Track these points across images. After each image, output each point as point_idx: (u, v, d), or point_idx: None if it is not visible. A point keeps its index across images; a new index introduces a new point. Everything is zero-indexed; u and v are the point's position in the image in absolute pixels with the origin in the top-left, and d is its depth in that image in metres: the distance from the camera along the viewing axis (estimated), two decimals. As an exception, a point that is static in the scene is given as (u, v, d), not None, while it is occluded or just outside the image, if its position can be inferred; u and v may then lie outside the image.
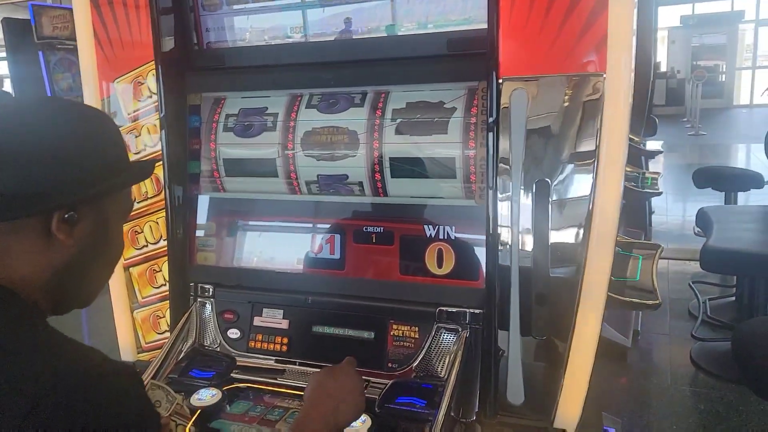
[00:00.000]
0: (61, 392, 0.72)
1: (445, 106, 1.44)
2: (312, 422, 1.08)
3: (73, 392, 0.73)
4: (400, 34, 1.51)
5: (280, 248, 1.62)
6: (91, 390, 0.75)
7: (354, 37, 1.56)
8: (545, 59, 1.23)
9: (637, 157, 4.60)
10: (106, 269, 0.98)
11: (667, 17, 14.89)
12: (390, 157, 1.49)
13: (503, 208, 1.32)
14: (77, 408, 0.73)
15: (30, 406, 0.70)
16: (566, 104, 1.24)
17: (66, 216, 0.85)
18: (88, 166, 0.87)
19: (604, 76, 1.20)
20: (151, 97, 1.63)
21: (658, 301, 1.89)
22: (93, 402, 0.74)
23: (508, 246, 1.33)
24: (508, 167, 1.30)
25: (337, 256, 1.56)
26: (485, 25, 1.32)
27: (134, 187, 1.65)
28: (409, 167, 1.48)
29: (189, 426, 1.36)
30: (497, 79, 1.27)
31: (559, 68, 1.23)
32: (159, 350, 1.58)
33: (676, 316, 4.01)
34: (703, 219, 3.82)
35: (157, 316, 1.71)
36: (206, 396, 1.42)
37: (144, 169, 1.01)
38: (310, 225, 1.60)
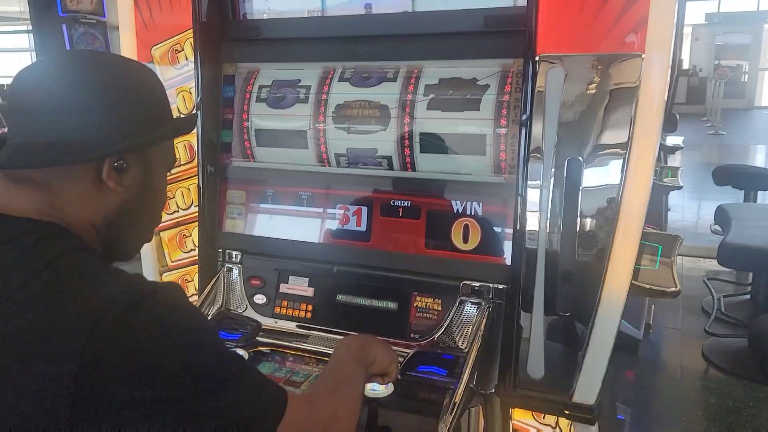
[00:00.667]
0: (120, 308, 0.78)
1: (478, 83, 1.45)
2: (349, 347, 1.21)
3: (128, 309, 0.79)
4: (437, 9, 1.52)
5: (307, 218, 1.65)
6: (145, 304, 0.81)
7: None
8: (584, 38, 1.24)
9: (656, 151, 4.58)
10: (151, 218, 1.04)
11: (692, 14, 14.69)
12: (420, 133, 1.51)
13: (532, 187, 1.33)
14: (135, 323, 0.78)
15: (93, 322, 0.76)
16: (603, 84, 1.25)
17: (115, 164, 0.90)
18: (136, 116, 0.92)
19: (643, 56, 1.20)
20: (187, 65, 1.65)
21: (677, 289, 1.90)
22: (149, 314, 0.80)
23: (535, 226, 1.34)
24: (540, 147, 1.31)
25: (363, 228, 1.59)
26: (511, 4, 1.32)
27: (168, 153, 1.69)
28: (439, 143, 1.50)
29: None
30: (534, 58, 1.28)
31: (598, 47, 1.23)
32: (187, 313, 1.61)
33: (689, 312, 4.02)
34: (721, 215, 3.81)
35: (186, 279, 1.75)
36: (233, 356, 1.45)
37: (187, 123, 1.06)
38: (338, 196, 1.62)
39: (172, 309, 0.84)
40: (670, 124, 4.93)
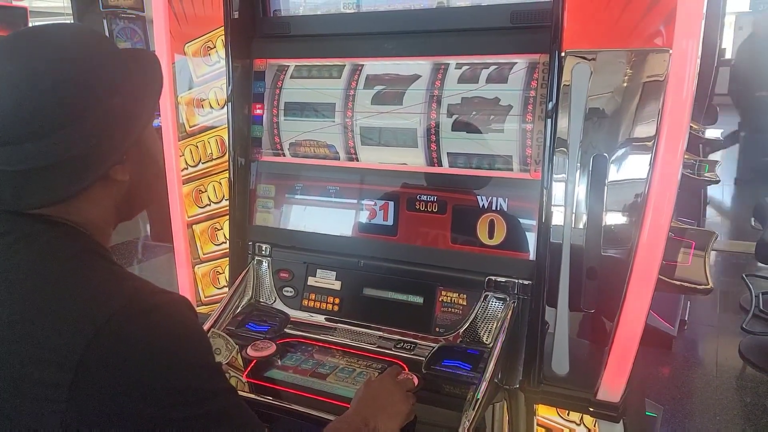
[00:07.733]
0: (121, 320, 0.78)
1: (504, 78, 1.45)
2: (350, 421, 1.14)
3: (131, 320, 0.79)
4: (460, 5, 1.52)
5: (335, 213, 1.67)
6: (148, 318, 0.81)
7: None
8: (610, 33, 1.23)
9: (695, 145, 4.46)
10: (158, 178, 1.03)
11: (736, 1, 14.18)
12: (446, 129, 1.51)
13: (558, 184, 1.33)
14: (136, 335, 0.79)
15: (92, 333, 0.76)
16: (629, 80, 1.24)
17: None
18: (119, 99, 0.88)
19: (671, 52, 1.19)
20: (219, 62, 1.69)
21: (709, 286, 1.87)
22: (150, 329, 0.80)
23: (560, 221, 1.34)
24: (565, 142, 1.30)
25: (390, 222, 1.60)
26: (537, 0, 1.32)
27: (200, 149, 1.74)
28: (465, 139, 1.50)
29: (244, 375, 1.43)
30: (560, 53, 1.28)
31: (624, 42, 1.22)
32: (217, 304, 1.66)
33: (726, 309, 3.93)
34: (762, 211, 3.71)
35: (217, 271, 1.79)
36: (261, 348, 1.49)
37: (153, 67, 0.99)
38: (365, 191, 1.64)
39: (172, 328, 0.83)
40: (710, 116, 4.80)
